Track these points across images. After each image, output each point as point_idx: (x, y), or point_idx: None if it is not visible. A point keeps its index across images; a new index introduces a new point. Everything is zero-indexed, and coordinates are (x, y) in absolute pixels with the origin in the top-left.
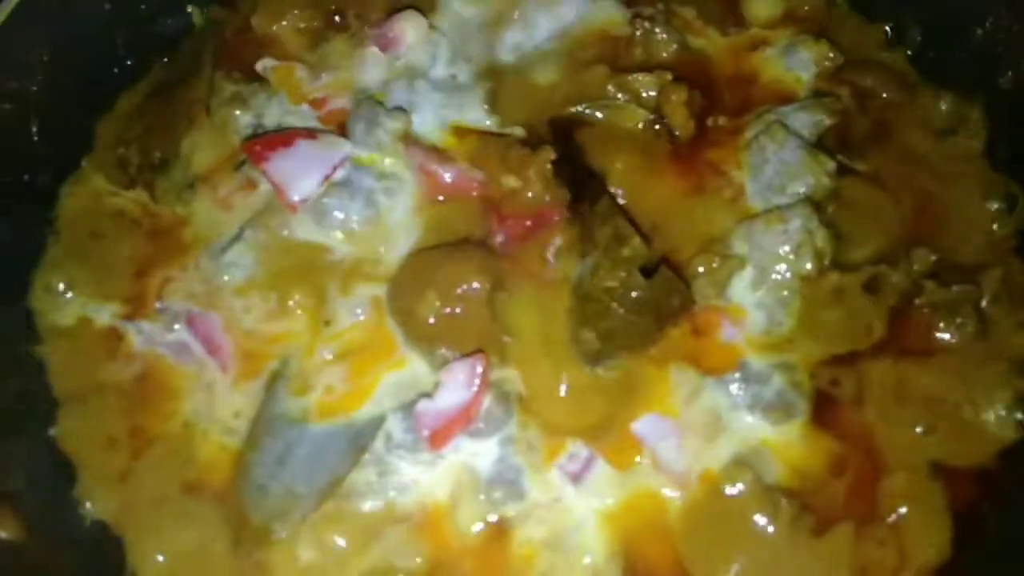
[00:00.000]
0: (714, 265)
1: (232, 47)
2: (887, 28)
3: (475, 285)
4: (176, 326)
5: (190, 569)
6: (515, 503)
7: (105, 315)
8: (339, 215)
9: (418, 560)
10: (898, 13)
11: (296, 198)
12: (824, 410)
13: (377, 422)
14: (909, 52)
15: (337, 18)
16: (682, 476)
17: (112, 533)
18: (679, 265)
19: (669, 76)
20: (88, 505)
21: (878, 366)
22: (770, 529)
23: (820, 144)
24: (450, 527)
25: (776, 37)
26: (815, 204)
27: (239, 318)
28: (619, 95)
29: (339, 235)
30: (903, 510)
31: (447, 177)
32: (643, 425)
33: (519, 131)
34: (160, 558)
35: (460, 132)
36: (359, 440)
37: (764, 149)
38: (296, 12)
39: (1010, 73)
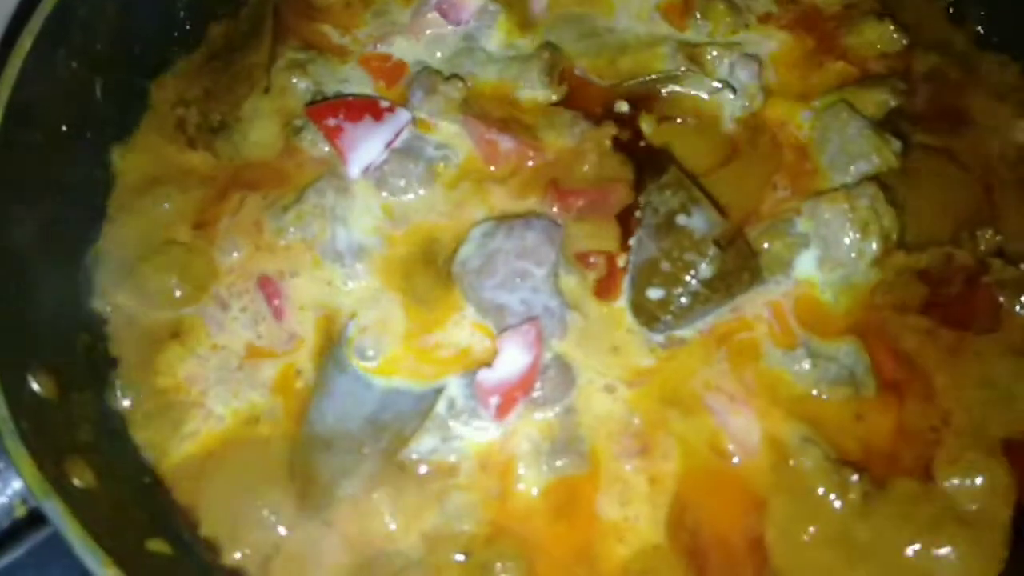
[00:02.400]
0: (778, 242)
1: (290, 15)
2: (948, 6)
3: (540, 258)
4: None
5: (251, 521)
6: (578, 469)
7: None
8: (400, 182)
9: (480, 524)
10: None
11: (358, 165)
12: (891, 386)
13: (440, 387)
14: (976, 29)
15: None
16: (750, 447)
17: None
18: (748, 241)
19: (740, 48)
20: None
21: (944, 342)
22: (838, 504)
23: (887, 122)
24: (512, 493)
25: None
26: (881, 183)
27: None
28: (689, 67)
29: (402, 201)
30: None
31: (506, 146)
32: (711, 397)
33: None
34: (223, 510)
35: (520, 103)
36: (423, 402)
37: (827, 128)
38: None
39: None
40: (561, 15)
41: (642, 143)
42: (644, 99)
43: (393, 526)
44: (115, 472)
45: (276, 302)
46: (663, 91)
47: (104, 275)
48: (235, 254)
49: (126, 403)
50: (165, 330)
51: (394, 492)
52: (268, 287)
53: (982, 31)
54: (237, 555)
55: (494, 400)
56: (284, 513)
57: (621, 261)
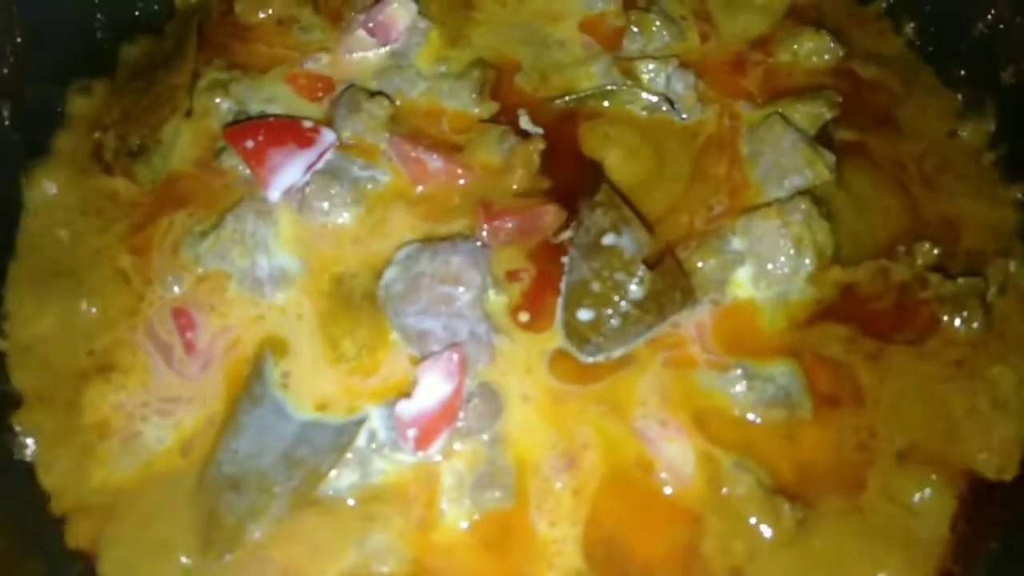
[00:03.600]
0: (712, 261)
1: (214, 34)
2: (890, 21)
3: (465, 282)
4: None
5: (153, 570)
6: (505, 503)
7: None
8: (323, 205)
9: (401, 563)
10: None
11: (278, 188)
12: (827, 401)
13: (361, 418)
14: (912, 44)
15: (321, 6)
16: (684, 476)
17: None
18: (678, 260)
19: (676, 61)
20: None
21: (883, 359)
22: (769, 533)
23: (822, 135)
24: (436, 528)
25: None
26: (815, 197)
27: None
28: (624, 82)
29: (324, 224)
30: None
31: (434, 165)
32: (643, 425)
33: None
34: (121, 554)
35: (450, 120)
36: (342, 435)
37: (761, 141)
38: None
39: (1012, 67)
40: (497, 27)
41: (575, 159)
42: (578, 114)
43: (307, 568)
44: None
45: (189, 335)
46: (598, 105)
47: (14, 305)
48: (155, 284)
49: (29, 444)
50: (86, 365)
51: (308, 533)
52: (181, 319)
53: (921, 47)
54: None
55: (412, 432)
56: (189, 559)
57: (553, 282)
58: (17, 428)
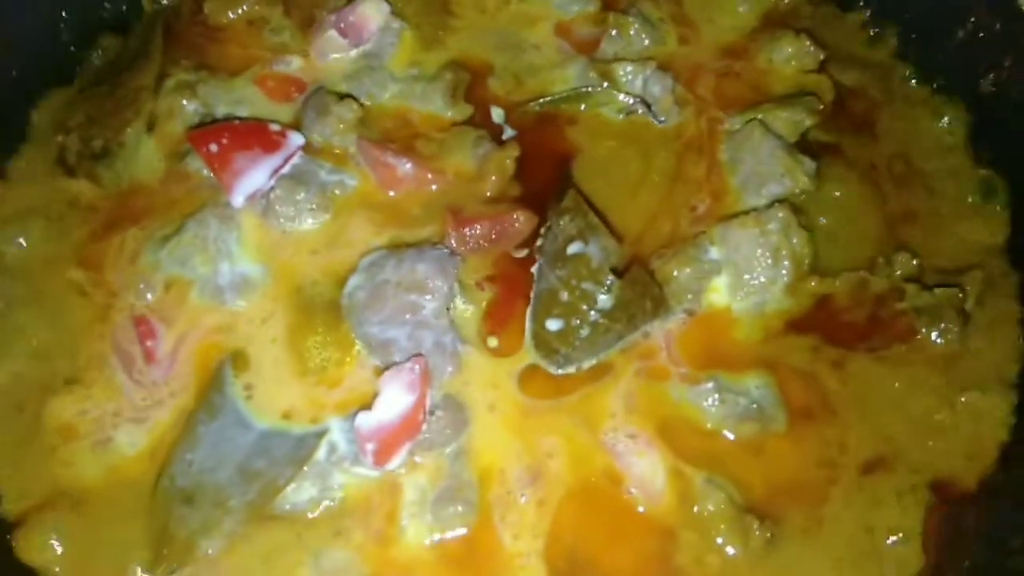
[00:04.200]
0: (688, 269)
1: (183, 34)
2: (871, 28)
3: (431, 291)
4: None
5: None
6: (467, 519)
7: None
8: (289, 210)
9: None
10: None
11: (242, 193)
12: (801, 414)
13: (322, 431)
14: (892, 50)
15: (292, 7)
16: (654, 492)
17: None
18: (653, 269)
19: (654, 64)
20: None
21: (859, 372)
22: (737, 552)
23: (801, 143)
24: (396, 545)
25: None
26: (793, 206)
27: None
28: (600, 84)
29: (288, 230)
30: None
31: (404, 170)
32: (611, 436)
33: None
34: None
35: (422, 124)
36: (302, 447)
37: (740, 148)
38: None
39: (992, 75)
40: (474, 32)
41: (549, 164)
42: (552, 118)
43: None
44: None
45: (149, 343)
46: (573, 108)
47: None
48: (123, 293)
49: None
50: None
51: (262, 548)
52: (142, 326)
53: (901, 53)
54: None
55: (371, 447)
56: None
57: (523, 291)
58: None
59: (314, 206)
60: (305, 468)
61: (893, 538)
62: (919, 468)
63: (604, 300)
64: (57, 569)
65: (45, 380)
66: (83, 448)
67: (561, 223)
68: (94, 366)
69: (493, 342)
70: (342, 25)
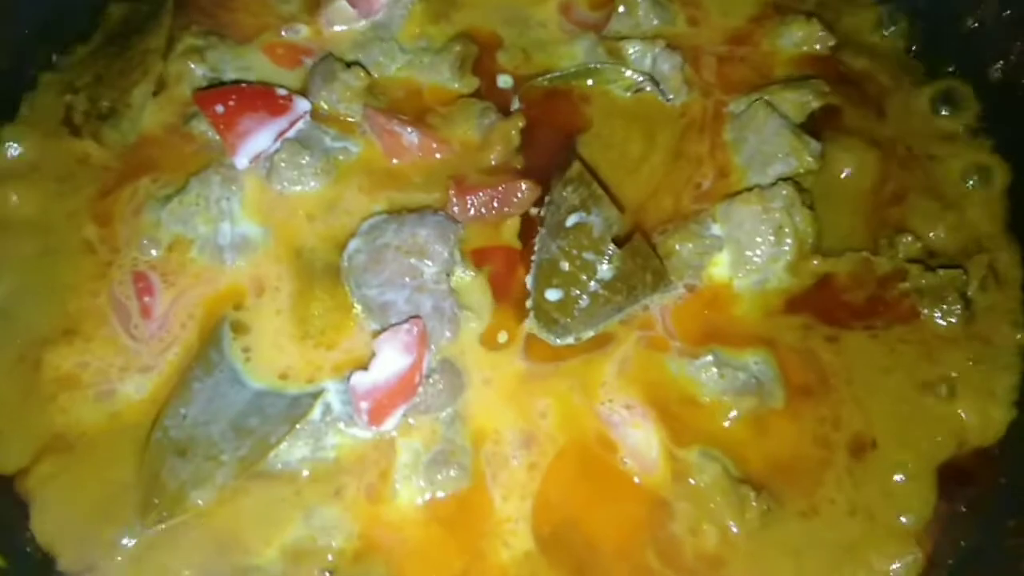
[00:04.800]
0: (690, 245)
1: (195, 0)
2: (882, 15)
3: (431, 255)
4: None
5: (89, 533)
6: (460, 483)
7: None
8: (292, 173)
9: (349, 538)
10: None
11: (247, 155)
12: (801, 391)
13: (317, 391)
14: (903, 37)
15: None
16: (648, 463)
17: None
18: (655, 244)
19: (663, 43)
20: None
21: (857, 350)
22: (735, 525)
23: (807, 125)
24: (388, 505)
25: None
26: (798, 185)
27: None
28: (608, 61)
29: (290, 193)
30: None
31: (409, 138)
32: (607, 406)
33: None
34: (61, 518)
35: (429, 94)
36: (296, 407)
37: (745, 127)
38: None
39: (1000, 63)
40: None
41: (555, 139)
42: (560, 93)
43: (251, 539)
44: None
45: (146, 299)
46: (581, 84)
47: None
48: (126, 249)
49: None
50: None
51: (253, 503)
52: (141, 282)
53: (910, 40)
54: (71, 567)
55: (365, 405)
56: (127, 524)
57: (523, 259)
58: None
59: (318, 170)
60: (298, 427)
61: (888, 518)
62: (916, 449)
63: (604, 270)
64: (52, 506)
65: (44, 332)
66: (83, 398)
67: (564, 193)
68: (91, 319)
69: (503, 337)
70: None
